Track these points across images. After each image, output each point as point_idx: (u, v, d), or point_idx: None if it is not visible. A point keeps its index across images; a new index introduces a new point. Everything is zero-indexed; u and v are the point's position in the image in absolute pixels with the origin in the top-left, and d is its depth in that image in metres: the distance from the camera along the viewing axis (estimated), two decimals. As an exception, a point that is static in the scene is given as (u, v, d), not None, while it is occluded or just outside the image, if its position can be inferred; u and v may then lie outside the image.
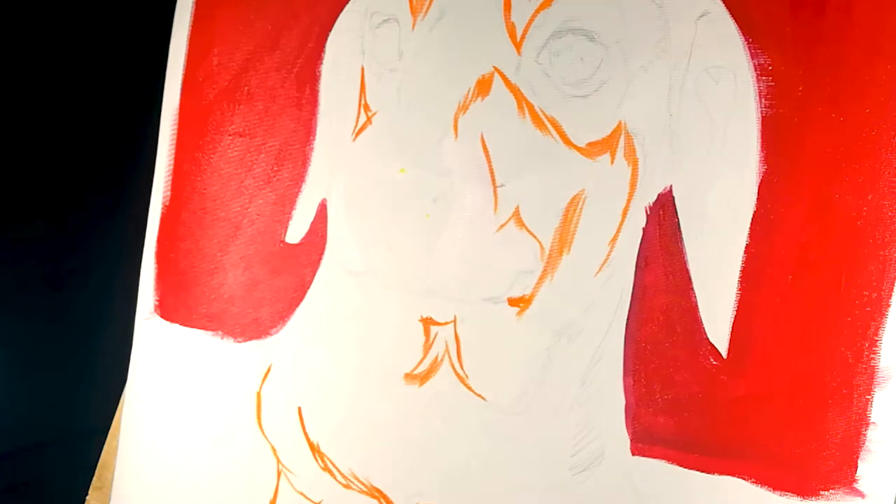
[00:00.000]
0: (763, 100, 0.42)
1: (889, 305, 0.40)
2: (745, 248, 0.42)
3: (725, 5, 0.42)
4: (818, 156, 0.41)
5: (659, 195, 0.44)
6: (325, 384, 0.50)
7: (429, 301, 0.48)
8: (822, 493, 0.41)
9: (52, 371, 0.60)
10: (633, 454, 0.45)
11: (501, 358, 0.47)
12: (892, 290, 0.40)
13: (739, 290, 0.42)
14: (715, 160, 0.43)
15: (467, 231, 0.47)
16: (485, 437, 0.47)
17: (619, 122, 0.44)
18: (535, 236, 0.46)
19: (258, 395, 0.53)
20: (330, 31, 0.51)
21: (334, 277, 0.51)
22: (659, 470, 0.44)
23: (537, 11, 0.45)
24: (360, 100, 0.50)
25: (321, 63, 0.51)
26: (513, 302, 0.46)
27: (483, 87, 0.46)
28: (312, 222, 0.52)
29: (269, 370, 0.52)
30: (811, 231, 0.41)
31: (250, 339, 0.53)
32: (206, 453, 0.54)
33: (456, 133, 0.46)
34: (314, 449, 0.51)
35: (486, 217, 0.46)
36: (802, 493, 0.41)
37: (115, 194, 0.59)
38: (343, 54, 0.50)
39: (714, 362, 0.43)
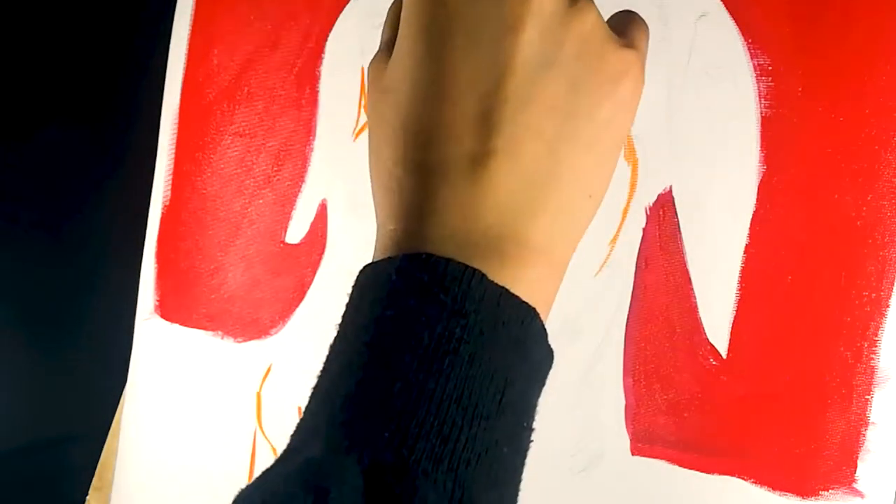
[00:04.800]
0: (763, 100, 0.42)
1: (889, 305, 0.40)
2: (745, 248, 0.42)
3: (725, 5, 0.42)
4: (818, 156, 0.41)
5: (659, 195, 0.44)
6: (325, 384, 0.50)
7: (429, 301, 0.48)
8: (821, 493, 0.41)
9: (51, 371, 0.60)
10: (633, 454, 0.45)
11: (501, 358, 0.47)
12: (891, 290, 0.40)
13: (739, 290, 0.42)
14: (715, 160, 0.43)
15: (467, 231, 0.47)
16: (485, 437, 0.47)
17: (619, 123, 0.44)
18: (535, 236, 0.45)
19: (258, 395, 0.53)
20: (330, 31, 0.51)
21: (334, 277, 0.51)
22: (659, 470, 0.44)
23: (537, 11, 0.45)
24: (360, 100, 0.50)
25: (321, 63, 0.51)
26: (513, 302, 0.46)
27: (483, 87, 0.46)
28: (312, 222, 0.52)
29: (269, 370, 0.52)
30: (811, 231, 0.41)
31: (250, 339, 0.53)
32: (206, 453, 0.54)
33: (456, 133, 0.46)
34: (314, 449, 0.50)
35: (486, 217, 0.46)
36: (802, 493, 0.41)
37: (115, 194, 0.59)
38: (343, 54, 0.50)
39: (714, 362, 0.43)
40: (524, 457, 0.30)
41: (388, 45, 0.34)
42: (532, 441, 0.30)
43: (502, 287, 0.29)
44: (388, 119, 0.32)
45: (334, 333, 0.31)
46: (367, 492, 0.25)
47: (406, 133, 0.31)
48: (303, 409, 0.30)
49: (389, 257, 0.30)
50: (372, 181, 0.34)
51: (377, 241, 0.33)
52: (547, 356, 0.31)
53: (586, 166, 0.32)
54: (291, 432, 0.30)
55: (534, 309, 0.30)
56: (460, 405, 0.27)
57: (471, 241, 0.30)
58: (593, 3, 0.32)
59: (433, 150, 0.30)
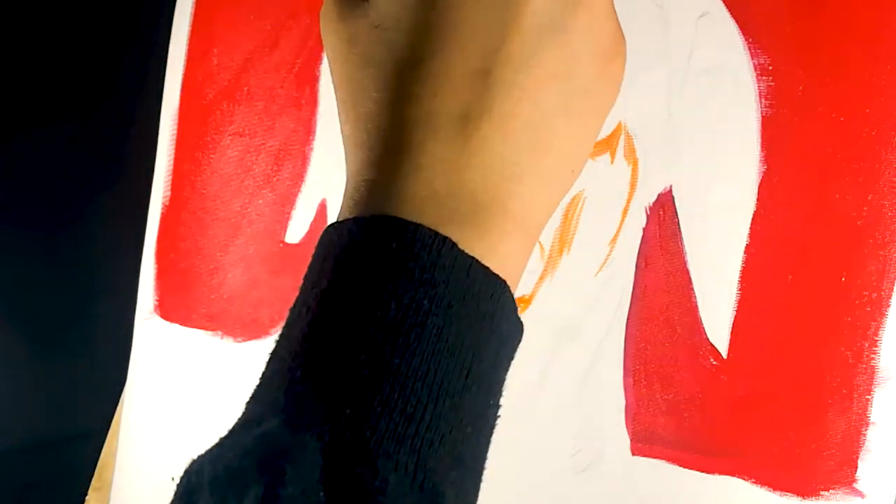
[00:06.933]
0: (763, 100, 0.42)
1: (889, 305, 0.40)
2: (745, 248, 0.42)
3: (725, 5, 0.42)
4: (818, 156, 0.41)
5: (659, 195, 0.44)
6: (325, 384, 0.50)
7: (429, 301, 0.47)
8: (822, 493, 0.41)
9: (51, 371, 0.60)
10: (633, 454, 0.45)
11: (501, 358, 0.47)
12: (892, 290, 0.40)
13: (739, 290, 0.42)
14: (715, 160, 0.43)
15: (467, 231, 0.46)
16: (485, 437, 0.47)
17: (619, 123, 0.44)
18: (535, 236, 0.45)
19: (258, 395, 0.52)
20: (330, 31, 0.51)
21: (334, 277, 0.51)
22: (659, 470, 0.44)
23: (537, 11, 0.45)
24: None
25: (321, 63, 0.51)
26: (513, 302, 0.46)
27: (483, 87, 0.46)
28: (312, 222, 0.52)
29: (269, 370, 0.52)
30: (811, 231, 0.41)
31: (250, 339, 0.53)
32: (205, 453, 0.54)
33: (456, 133, 0.46)
34: (314, 449, 0.50)
35: (486, 217, 0.46)
36: (802, 494, 0.41)
37: (115, 194, 0.59)
38: (343, 54, 0.50)
39: (714, 362, 0.43)
40: (489, 436, 0.29)
41: None
42: (499, 417, 0.29)
43: (472, 258, 0.27)
44: (379, 59, 0.30)
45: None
46: (325, 471, 0.24)
47: (400, 77, 0.29)
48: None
49: (356, 217, 0.29)
50: (346, 121, 0.32)
51: (347, 190, 0.30)
52: (515, 330, 0.30)
53: (575, 140, 0.31)
54: (247, 399, 0.29)
55: (504, 282, 0.28)
56: (426, 382, 0.25)
57: (450, 203, 0.28)
58: None
59: (425, 100, 0.29)
